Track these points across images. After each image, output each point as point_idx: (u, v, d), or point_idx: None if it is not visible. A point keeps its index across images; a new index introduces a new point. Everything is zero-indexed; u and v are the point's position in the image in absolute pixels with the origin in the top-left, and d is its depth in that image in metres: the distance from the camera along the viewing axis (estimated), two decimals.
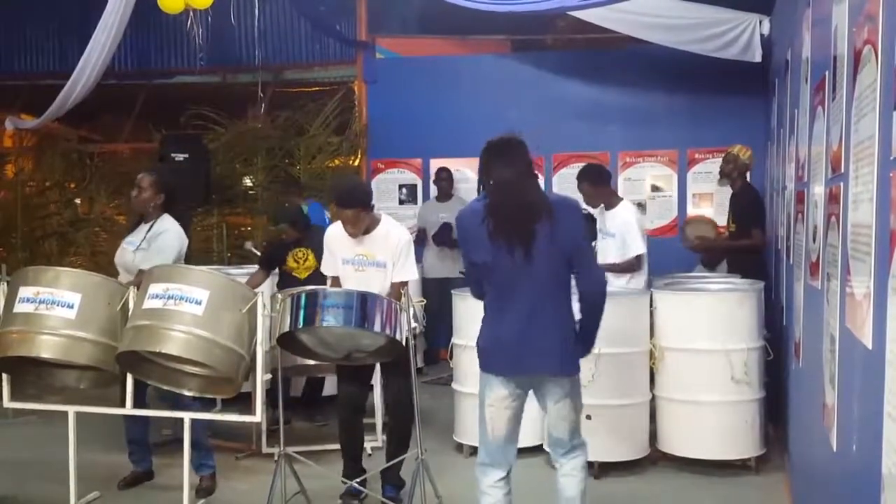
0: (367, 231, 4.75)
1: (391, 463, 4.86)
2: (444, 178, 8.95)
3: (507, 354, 3.72)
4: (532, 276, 3.63)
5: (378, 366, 4.98)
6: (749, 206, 6.72)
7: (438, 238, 8.66)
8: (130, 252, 5.19)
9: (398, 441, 4.87)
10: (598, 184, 6.17)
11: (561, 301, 3.71)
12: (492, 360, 3.77)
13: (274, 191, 9.22)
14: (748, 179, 6.93)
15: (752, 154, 6.88)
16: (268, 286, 6.21)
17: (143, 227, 5.24)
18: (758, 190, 7.14)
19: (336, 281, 4.89)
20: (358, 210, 4.65)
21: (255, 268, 6.62)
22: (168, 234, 5.18)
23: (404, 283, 4.76)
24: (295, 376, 6.41)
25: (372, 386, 5.08)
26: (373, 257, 4.75)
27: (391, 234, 4.79)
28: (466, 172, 9.41)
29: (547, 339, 3.66)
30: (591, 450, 4.67)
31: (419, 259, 8.39)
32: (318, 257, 6.18)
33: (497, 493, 3.85)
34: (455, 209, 8.77)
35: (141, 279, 4.70)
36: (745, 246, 6.67)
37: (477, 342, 3.84)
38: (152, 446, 5.51)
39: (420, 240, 8.69)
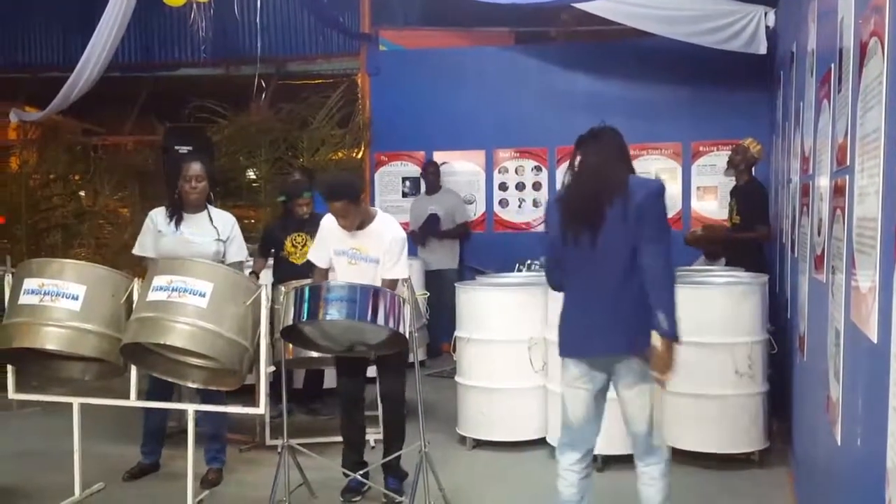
0: (361, 226, 4.72)
1: (390, 458, 4.87)
2: (431, 171, 9.03)
3: (574, 336, 3.74)
4: (600, 257, 3.62)
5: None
6: (755, 202, 6.72)
7: (424, 230, 8.70)
8: (213, 243, 5.14)
9: (394, 433, 4.89)
10: None
11: (631, 281, 3.61)
12: (561, 341, 3.81)
13: (280, 183, 9.21)
14: (753, 174, 6.91)
15: (762, 149, 6.89)
16: (266, 273, 6.24)
17: (199, 217, 5.21)
18: (763, 185, 7.12)
19: (324, 272, 4.84)
20: (346, 203, 4.58)
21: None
22: (236, 223, 5.33)
23: (394, 281, 4.72)
24: (297, 368, 6.41)
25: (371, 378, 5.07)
26: (365, 252, 4.72)
27: (385, 231, 4.75)
28: (454, 165, 9.41)
29: (612, 318, 3.63)
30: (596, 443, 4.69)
31: (415, 253, 8.41)
32: None
33: (572, 475, 3.84)
34: (443, 201, 8.89)
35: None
36: (750, 238, 6.67)
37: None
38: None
39: (414, 237, 8.70)
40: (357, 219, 4.67)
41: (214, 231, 5.18)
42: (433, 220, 8.72)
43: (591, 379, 3.74)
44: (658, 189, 3.69)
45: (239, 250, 5.29)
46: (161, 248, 5.11)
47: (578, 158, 3.80)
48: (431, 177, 9.00)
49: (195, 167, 5.21)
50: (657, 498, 3.76)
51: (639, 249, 3.57)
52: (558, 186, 8.59)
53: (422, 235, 8.73)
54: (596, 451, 5.00)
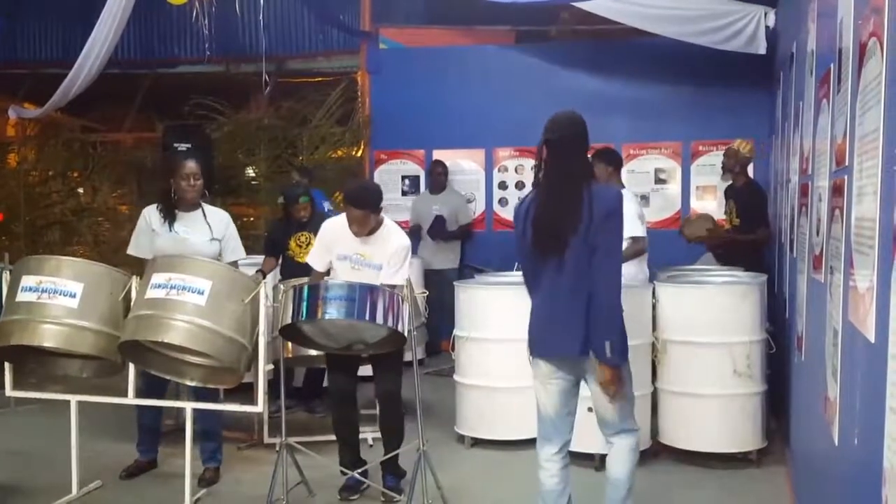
0: (369, 232, 4.73)
1: (388, 456, 4.87)
2: (440, 171, 8.97)
3: (539, 337, 3.83)
4: (560, 266, 3.70)
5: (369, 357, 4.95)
6: (755, 203, 6.73)
7: (433, 232, 8.70)
8: (209, 242, 5.11)
9: (391, 432, 4.88)
10: (613, 166, 6.08)
11: (586, 286, 3.65)
12: (529, 341, 3.88)
13: (279, 181, 9.20)
14: (750, 173, 6.91)
15: (752, 147, 6.90)
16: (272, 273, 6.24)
17: (194, 215, 5.17)
18: (761, 186, 7.11)
19: (321, 276, 4.83)
20: (368, 212, 4.64)
21: (259, 257, 6.57)
22: (231, 222, 5.29)
23: (394, 287, 4.67)
24: (297, 367, 6.40)
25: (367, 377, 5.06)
26: (370, 258, 4.72)
27: (391, 239, 4.76)
28: (461, 164, 9.41)
29: (568, 321, 3.68)
30: (592, 442, 4.69)
31: (415, 251, 8.40)
32: None
33: (553, 466, 3.90)
34: (447, 201, 8.88)
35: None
36: (750, 241, 6.67)
37: None
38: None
39: (415, 235, 8.68)
40: (371, 227, 4.70)
41: (208, 229, 5.14)
42: (440, 222, 8.70)
43: (559, 376, 3.82)
44: (618, 200, 3.75)
45: (235, 249, 5.26)
46: (157, 248, 5.03)
47: (545, 165, 3.86)
48: (440, 176, 8.94)
49: (191, 165, 5.15)
50: (623, 469, 3.84)
51: (593, 259, 3.62)
52: None
53: (430, 238, 8.72)
54: (593, 451, 5.05)
